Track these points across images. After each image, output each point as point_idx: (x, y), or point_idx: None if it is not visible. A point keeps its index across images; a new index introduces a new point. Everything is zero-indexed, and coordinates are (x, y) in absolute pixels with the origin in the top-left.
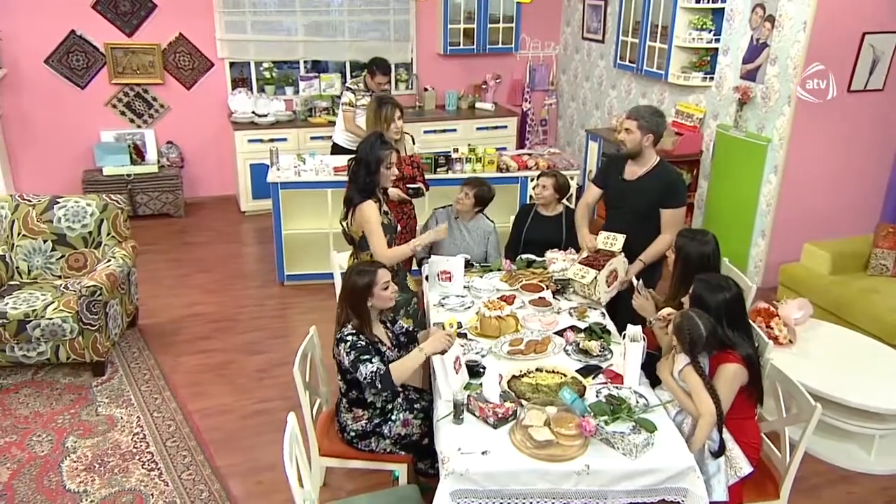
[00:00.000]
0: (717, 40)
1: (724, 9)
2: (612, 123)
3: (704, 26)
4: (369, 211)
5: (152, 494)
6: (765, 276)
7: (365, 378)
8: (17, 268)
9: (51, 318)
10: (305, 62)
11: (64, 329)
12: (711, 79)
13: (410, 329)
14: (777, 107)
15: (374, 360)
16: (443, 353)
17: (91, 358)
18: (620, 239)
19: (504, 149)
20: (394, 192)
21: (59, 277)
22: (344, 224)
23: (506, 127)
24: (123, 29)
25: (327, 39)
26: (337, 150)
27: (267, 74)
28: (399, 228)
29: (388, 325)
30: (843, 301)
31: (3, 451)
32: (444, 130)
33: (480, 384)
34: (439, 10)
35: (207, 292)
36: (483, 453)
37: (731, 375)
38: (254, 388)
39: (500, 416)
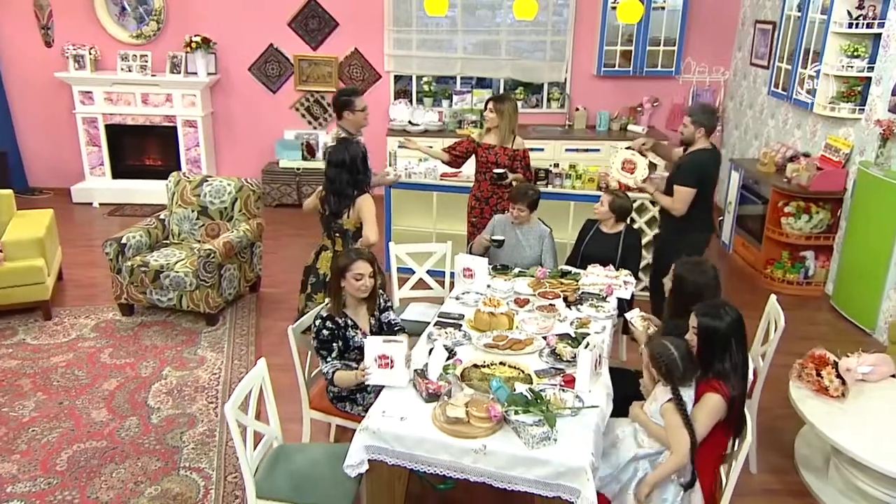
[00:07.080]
0: (872, 69)
1: (880, 34)
2: (759, 155)
3: (857, 53)
4: (369, 201)
5: (202, 420)
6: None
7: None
8: (172, 230)
9: (177, 272)
10: (468, 78)
11: (185, 282)
12: (861, 111)
13: (395, 321)
14: None
15: (328, 360)
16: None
17: (204, 309)
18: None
19: None
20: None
21: (198, 242)
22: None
23: None
24: (310, 43)
25: (485, 57)
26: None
27: (426, 88)
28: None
29: (376, 311)
30: None
31: (121, 368)
32: (586, 150)
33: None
34: (597, 31)
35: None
36: (401, 419)
37: (713, 407)
38: None
39: (430, 391)
